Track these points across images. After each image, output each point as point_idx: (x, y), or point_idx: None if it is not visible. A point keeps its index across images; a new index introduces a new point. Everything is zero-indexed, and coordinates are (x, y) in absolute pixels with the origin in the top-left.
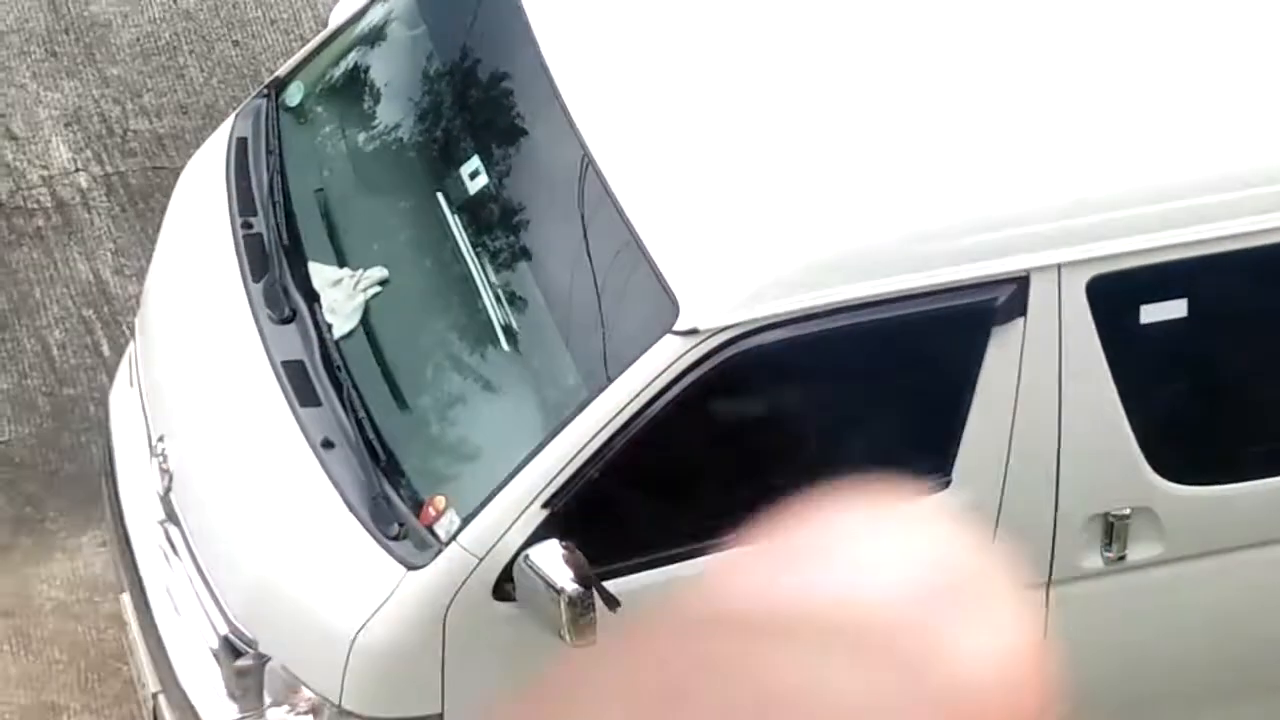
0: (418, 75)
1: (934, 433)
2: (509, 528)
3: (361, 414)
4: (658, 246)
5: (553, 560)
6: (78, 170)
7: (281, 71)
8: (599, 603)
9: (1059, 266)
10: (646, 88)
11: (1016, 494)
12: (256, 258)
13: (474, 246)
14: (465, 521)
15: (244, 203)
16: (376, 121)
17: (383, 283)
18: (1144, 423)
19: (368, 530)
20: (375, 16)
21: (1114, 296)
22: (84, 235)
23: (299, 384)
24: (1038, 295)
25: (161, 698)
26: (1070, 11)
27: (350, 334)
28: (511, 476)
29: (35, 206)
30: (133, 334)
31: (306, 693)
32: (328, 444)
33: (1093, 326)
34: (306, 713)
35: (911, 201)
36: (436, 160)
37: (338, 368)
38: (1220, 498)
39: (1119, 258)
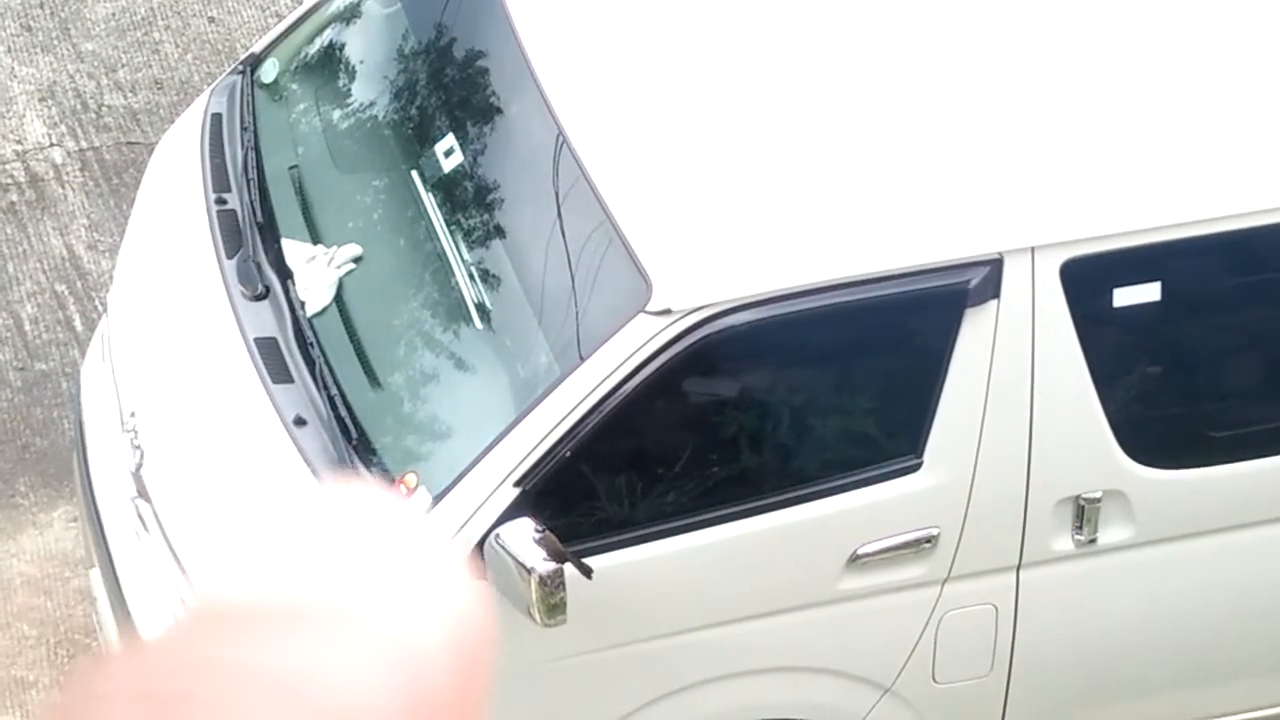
0: (393, 53)
1: (906, 414)
2: (480, 506)
3: (334, 391)
4: (632, 226)
5: (523, 539)
6: (52, 145)
7: (257, 48)
8: (569, 580)
9: (1033, 249)
10: (622, 68)
11: (988, 476)
12: (230, 234)
13: (448, 225)
14: (436, 499)
15: (218, 179)
16: (351, 99)
17: (356, 260)
18: (1116, 406)
19: None
20: None
21: (1088, 279)
22: (58, 210)
23: (271, 361)
24: (1011, 277)
25: None
26: (1048, 9)
27: (323, 311)
28: (483, 455)
29: (9, 181)
30: (105, 309)
31: None
32: (300, 421)
33: (1066, 309)
34: None
35: (886, 182)
36: (411, 138)
37: (310, 345)
38: (1191, 482)
39: (1093, 240)
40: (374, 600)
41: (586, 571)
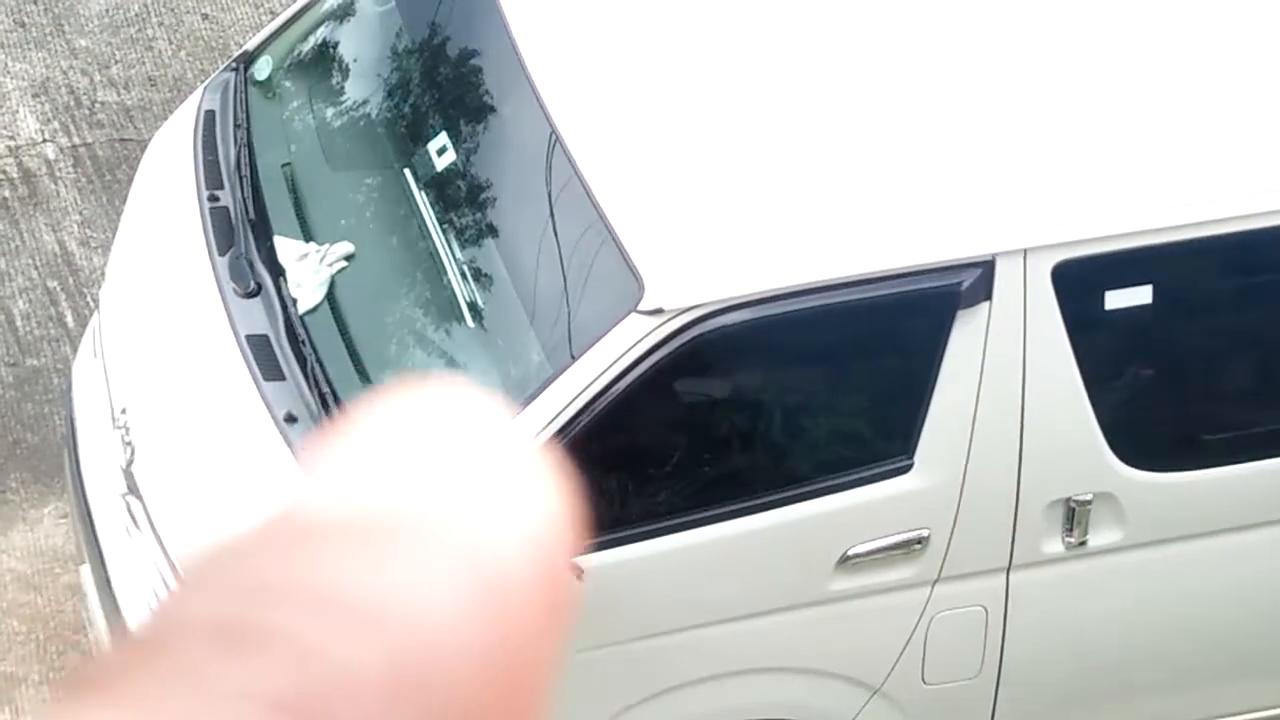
0: (386, 51)
1: (897, 415)
2: None
3: (325, 389)
4: (624, 225)
5: None
6: (45, 141)
7: (250, 45)
8: None
9: (1025, 251)
10: (615, 67)
11: (979, 478)
12: (222, 231)
13: (440, 223)
14: None
15: (211, 176)
16: (345, 97)
17: (348, 258)
18: (1107, 408)
19: None
20: None
21: (1079, 282)
22: (50, 206)
23: (263, 358)
24: (1003, 279)
25: None
26: (1040, 9)
27: (315, 309)
28: None
29: (1, 177)
30: (97, 306)
31: None
32: (291, 419)
33: (1058, 312)
34: None
35: (878, 184)
36: (404, 136)
37: (302, 342)
38: (1181, 485)
39: (1085, 243)
40: (453, 511)
41: (576, 572)
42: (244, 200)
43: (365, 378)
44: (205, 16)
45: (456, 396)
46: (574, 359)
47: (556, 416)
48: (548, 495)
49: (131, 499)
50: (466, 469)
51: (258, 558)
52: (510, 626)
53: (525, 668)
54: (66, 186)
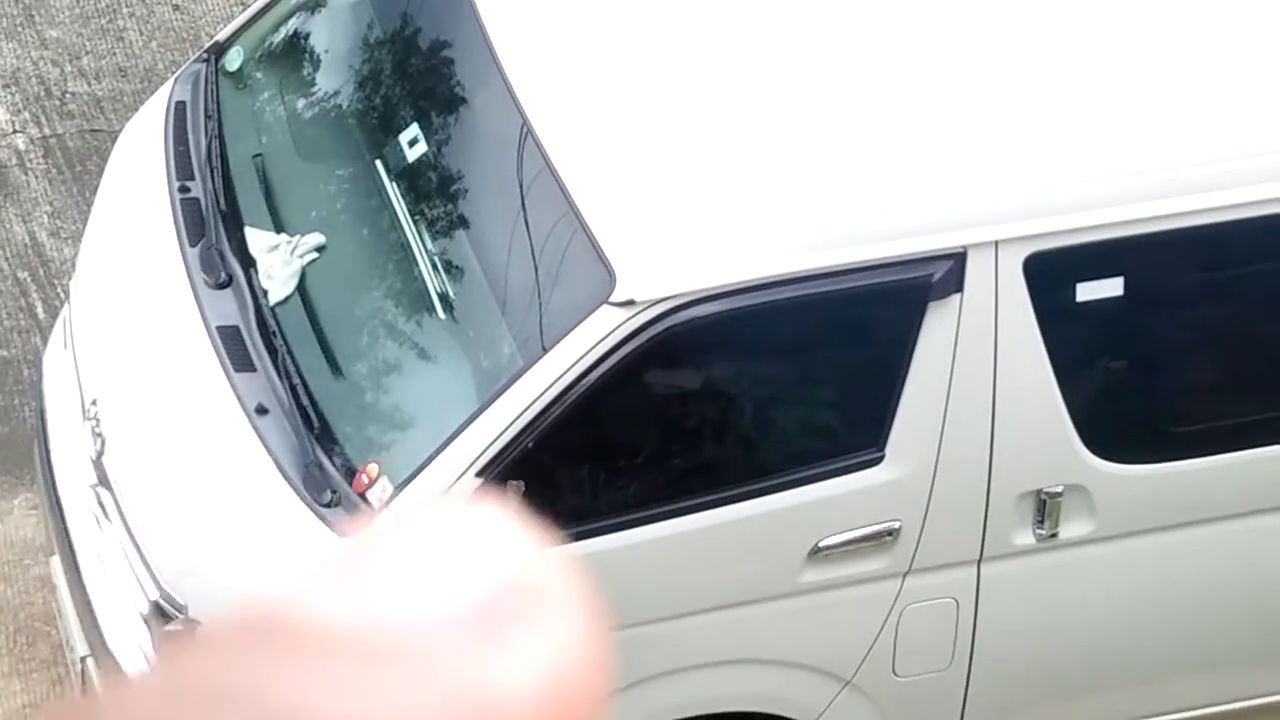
0: (358, 42)
1: (868, 407)
2: (442, 496)
3: (296, 380)
4: (596, 217)
5: None
6: (15, 132)
7: (221, 36)
8: None
9: (996, 243)
10: (587, 58)
11: (949, 470)
12: (193, 222)
13: (412, 215)
14: (398, 489)
15: (181, 167)
16: (316, 88)
17: (319, 249)
18: (1078, 401)
19: (300, 497)
20: None
21: (1051, 274)
22: (20, 197)
23: (234, 349)
24: (974, 271)
25: (90, 662)
26: (1010, 2)
27: (286, 300)
28: (445, 445)
29: None
30: (68, 297)
31: None
32: (262, 410)
33: (1029, 304)
34: None
35: (850, 176)
36: (375, 128)
37: (273, 333)
38: (1152, 477)
39: (1056, 235)
40: (460, 642)
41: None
42: (215, 191)
43: (336, 369)
44: (176, 7)
45: (490, 521)
46: (545, 350)
47: (528, 408)
48: (570, 631)
49: (102, 490)
50: (485, 599)
51: (240, 658)
52: None
53: None
54: (37, 177)
